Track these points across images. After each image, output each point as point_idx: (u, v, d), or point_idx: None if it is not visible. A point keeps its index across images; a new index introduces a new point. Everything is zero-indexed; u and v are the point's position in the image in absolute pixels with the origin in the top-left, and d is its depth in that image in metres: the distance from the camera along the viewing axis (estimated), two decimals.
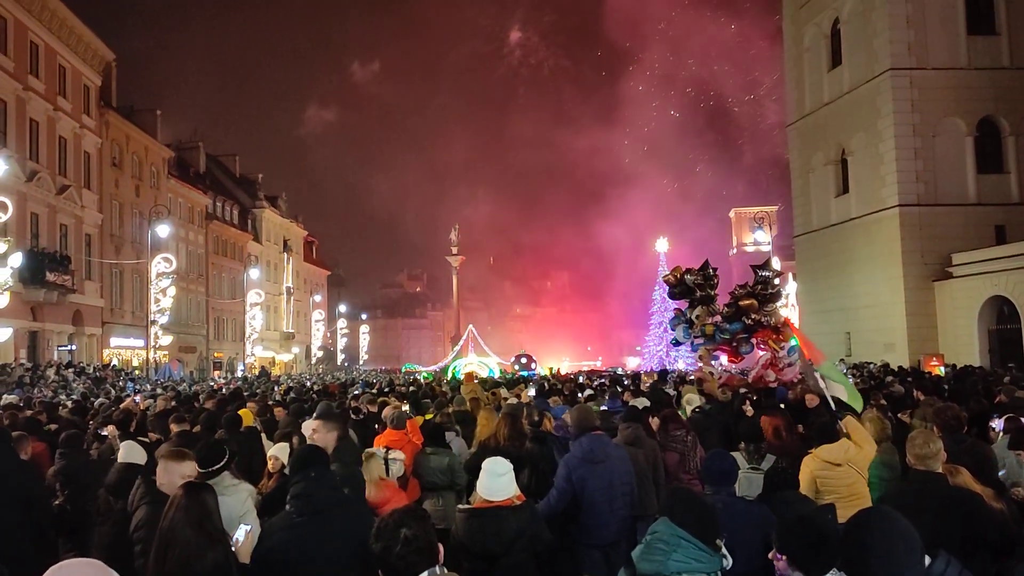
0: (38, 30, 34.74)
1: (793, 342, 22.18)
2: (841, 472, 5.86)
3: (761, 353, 21.33)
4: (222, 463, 5.04)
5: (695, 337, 22.04)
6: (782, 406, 11.55)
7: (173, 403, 12.92)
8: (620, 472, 6.29)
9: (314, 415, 8.90)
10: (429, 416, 10.06)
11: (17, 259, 27.91)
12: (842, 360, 30.62)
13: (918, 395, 11.70)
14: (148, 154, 46.71)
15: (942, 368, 25.79)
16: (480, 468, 5.09)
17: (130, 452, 6.23)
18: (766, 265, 23.52)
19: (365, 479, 5.80)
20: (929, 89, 31.89)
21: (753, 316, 21.34)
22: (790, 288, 41.83)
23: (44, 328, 34.48)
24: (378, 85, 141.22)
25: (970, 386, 13.00)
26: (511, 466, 4.91)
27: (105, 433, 7.87)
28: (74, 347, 36.44)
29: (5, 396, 17.72)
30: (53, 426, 9.57)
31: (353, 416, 10.97)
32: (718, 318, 21.59)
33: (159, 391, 21.47)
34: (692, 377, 19.54)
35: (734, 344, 21.68)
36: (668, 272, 24.72)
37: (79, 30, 38.27)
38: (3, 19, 32.15)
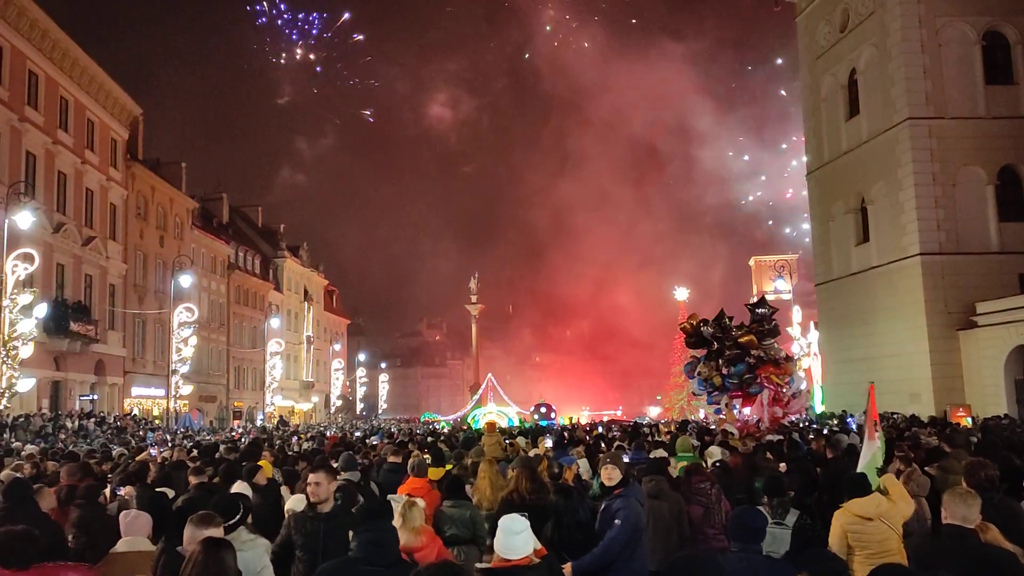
0: (68, 86, 35.64)
1: (795, 375, 22.14)
2: (872, 527, 5.74)
3: (766, 390, 21.29)
4: (238, 517, 5.01)
5: (708, 391, 22.06)
6: (808, 458, 11.43)
7: (195, 453, 12.91)
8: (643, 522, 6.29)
9: (338, 466, 8.89)
10: (449, 467, 9.98)
11: (42, 310, 28.22)
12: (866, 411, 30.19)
13: (942, 446, 11.48)
14: (173, 205, 47.42)
15: (969, 419, 25.36)
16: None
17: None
18: (762, 303, 23.54)
19: (406, 527, 5.77)
20: (948, 138, 31.88)
21: (754, 352, 21.35)
22: (812, 337, 41.49)
23: (67, 378, 34.71)
24: (397, 136, 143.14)
25: (999, 440, 12.74)
26: (528, 523, 4.83)
27: (122, 493, 7.86)
28: (96, 397, 36.63)
29: (27, 446, 17.78)
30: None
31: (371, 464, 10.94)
32: (724, 369, 21.61)
33: (181, 441, 21.47)
34: (713, 427, 19.35)
35: (743, 387, 21.66)
36: (685, 322, 24.74)
37: (108, 86, 39.21)
38: (35, 75, 33.03)
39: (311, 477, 6.22)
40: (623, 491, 6.54)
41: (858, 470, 7.15)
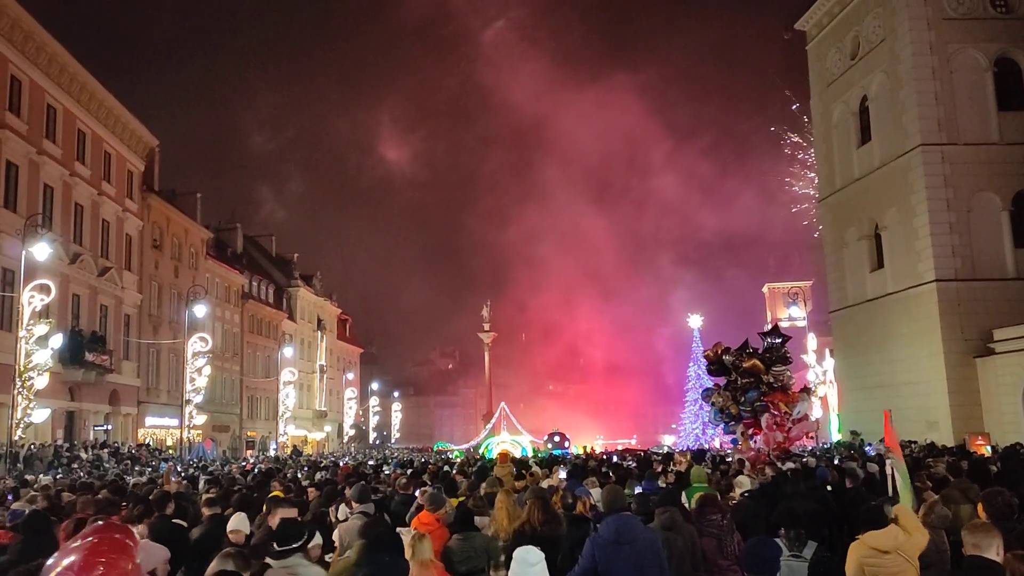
0: (86, 119, 36.11)
1: (802, 402, 22.02)
2: (889, 560, 5.65)
3: (767, 415, 21.18)
4: (299, 543, 4.97)
5: (724, 421, 22.00)
6: (826, 487, 11.30)
7: (212, 489, 12.86)
8: (648, 556, 6.13)
9: (352, 497, 8.85)
10: (461, 499, 9.91)
11: (58, 340, 28.36)
12: (882, 439, 29.88)
13: (947, 476, 11.32)
14: (188, 236, 47.79)
15: (988, 447, 25.05)
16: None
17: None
18: (773, 331, 23.50)
19: (416, 559, 5.73)
20: (961, 164, 31.81)
21: (764, 378, 21.33)
22: (828, 364, 41.20)
23: (81, 408, 34.82)
24: (406, 165, 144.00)
25: (1019, 469, 12.57)
26: (543, 555, 4.81)
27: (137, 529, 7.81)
28: (110, 427, 36.70)
29: (41, 477, 17.81)
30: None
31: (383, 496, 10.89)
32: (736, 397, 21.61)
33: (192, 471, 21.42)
34: (729, 458, 19.21)
35: (755, 415, 21.58)
36: (707, 349, 24.75)
37: (125, 118, 39.72)
38: (53, 109, 33.50)
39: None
40: (603, 523, 6.45)
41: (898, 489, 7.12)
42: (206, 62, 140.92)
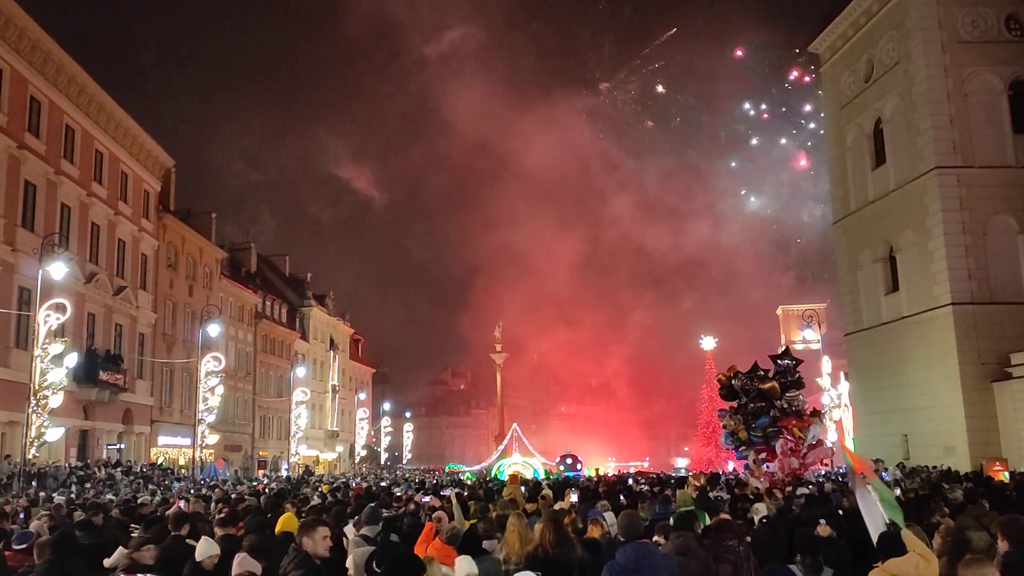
0: (103, 139, 36.48)
1: (815, 426, 21.87)
2: None
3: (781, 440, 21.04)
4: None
5: (736, 445, 21.93)
6: (840, 512, 11.17)
7: (224, 509, 12.83)
8: None
9: (361, 519, 8.82)
10: (474, 520, 9.85)
11: (73, 359, 28.48)
12: (900, 464, 29.58)
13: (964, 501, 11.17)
14: (202, 255, 48.06)
15: (1006, 473, 24.74)
16: None
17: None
18: (785, 354, 23.36)
19: None
20: (977, 187, 31.69)
21: (777, 402, 21.22)
22: (843, 387, 40.88)
23: (95, 427, 34.92)
24: (418, 183, 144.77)
25: None
26: None
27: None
28: (123, 446, 36.75)
29: (56, 496, 17.84)
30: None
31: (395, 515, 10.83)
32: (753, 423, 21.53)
33: (204, 491, 21.39)
34: (743, 481, 19.07)
35: (767, 440, 21.46)
36: (721, 373, 24.65)
37: (141, 139, 40.11)
38: (71, 129, 33.85)
39: (324, 531, 6.20)
40: (619, 550, 6.37)
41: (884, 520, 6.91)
42: (206, 85, 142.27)
